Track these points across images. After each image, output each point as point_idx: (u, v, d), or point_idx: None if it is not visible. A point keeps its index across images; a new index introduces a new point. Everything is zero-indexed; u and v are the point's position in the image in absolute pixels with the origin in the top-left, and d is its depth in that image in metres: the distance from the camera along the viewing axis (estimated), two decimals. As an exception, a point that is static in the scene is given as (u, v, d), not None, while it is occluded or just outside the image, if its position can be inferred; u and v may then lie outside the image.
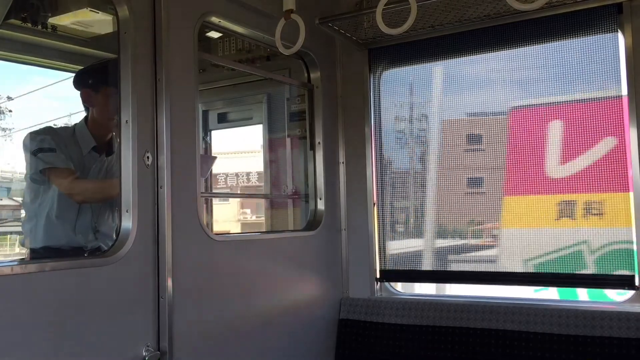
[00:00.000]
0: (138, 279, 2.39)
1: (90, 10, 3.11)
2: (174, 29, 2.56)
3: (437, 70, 3.53)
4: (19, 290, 1.99)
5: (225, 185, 7.03)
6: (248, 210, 8.39)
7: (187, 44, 2.65)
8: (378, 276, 3.59)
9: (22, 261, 2.64)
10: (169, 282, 2.45)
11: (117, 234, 2.39)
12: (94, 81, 2.97)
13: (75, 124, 2.99)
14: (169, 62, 2.52)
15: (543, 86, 3.22)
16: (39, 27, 3.00)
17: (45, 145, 2.83)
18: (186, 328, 2.53)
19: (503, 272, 3.28)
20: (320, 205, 3.52)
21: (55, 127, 2.96)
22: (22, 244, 2.92)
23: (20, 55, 3.39)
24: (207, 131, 4.42)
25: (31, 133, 2.88)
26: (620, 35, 2.95)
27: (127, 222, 2.36)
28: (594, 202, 3.07)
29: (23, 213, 2.96)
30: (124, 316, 2.33)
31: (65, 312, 2.12)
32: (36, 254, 2.82)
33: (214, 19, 2.87)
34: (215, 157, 3.72)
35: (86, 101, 3.00)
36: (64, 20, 3.23)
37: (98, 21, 3.24)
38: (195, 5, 2.72)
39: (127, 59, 2.42)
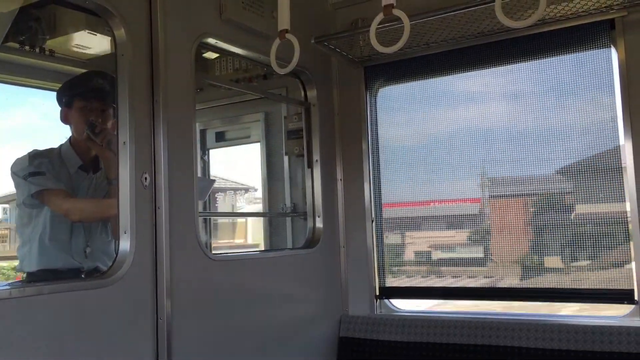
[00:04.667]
0: (136, 300, 2.38)
1: (88, 33, 3.12)
2: (171, 50, 2.58)
3: (433, 86, 3.55)
4: (18, 314, 1.99)
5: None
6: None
7: (184, 65, 2.67)
8: (377, 293, 3.58)
9: (19, 284, 2.62)
10: (168, 303, 2.45)
11: (115, 255, 2.39)
12: (67, 98, 2.95)
13: (61, 145, 2.97)
14: (167, 83, 2.54)
15: (538, 101, 3.24)
16: (37, 50, 3.01)
17: (34, 169, 2.81)
18: (185, 349, 2.52)
19: (502, 288, 3.28)
20: (319, 223, 3.51)
21: (41, 150, 2.93)
22: (20, 269, 2.90)
23: (18, 77, 3.40)
24: (205, 150, 4.44)
25: (19, 158, 2.85)
26: (613, 51, 2.97)
27: (125, 243, 2.36)
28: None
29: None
30: (123, 338, 2.32)
31: (64, 334, 2.12)
32: (33, 278, 2.81)
33: (211, 40, 2.89)
34: (214, 180, 3.72)
35: (64, 119, 2.97)
36: (62, 42, 3.24)
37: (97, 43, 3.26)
38: (192, 26, 2.74)
39: (124, 80, 2.43)
